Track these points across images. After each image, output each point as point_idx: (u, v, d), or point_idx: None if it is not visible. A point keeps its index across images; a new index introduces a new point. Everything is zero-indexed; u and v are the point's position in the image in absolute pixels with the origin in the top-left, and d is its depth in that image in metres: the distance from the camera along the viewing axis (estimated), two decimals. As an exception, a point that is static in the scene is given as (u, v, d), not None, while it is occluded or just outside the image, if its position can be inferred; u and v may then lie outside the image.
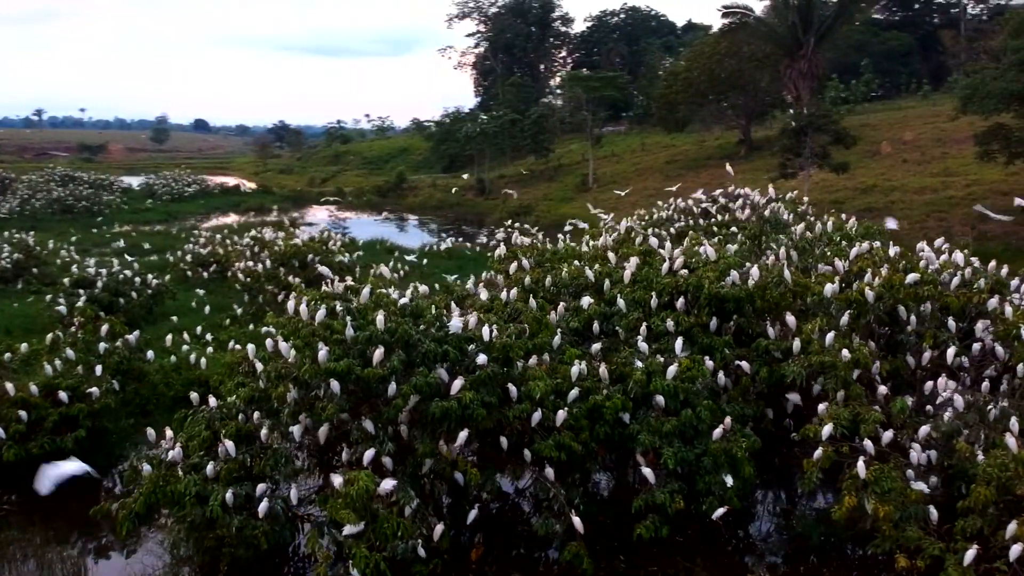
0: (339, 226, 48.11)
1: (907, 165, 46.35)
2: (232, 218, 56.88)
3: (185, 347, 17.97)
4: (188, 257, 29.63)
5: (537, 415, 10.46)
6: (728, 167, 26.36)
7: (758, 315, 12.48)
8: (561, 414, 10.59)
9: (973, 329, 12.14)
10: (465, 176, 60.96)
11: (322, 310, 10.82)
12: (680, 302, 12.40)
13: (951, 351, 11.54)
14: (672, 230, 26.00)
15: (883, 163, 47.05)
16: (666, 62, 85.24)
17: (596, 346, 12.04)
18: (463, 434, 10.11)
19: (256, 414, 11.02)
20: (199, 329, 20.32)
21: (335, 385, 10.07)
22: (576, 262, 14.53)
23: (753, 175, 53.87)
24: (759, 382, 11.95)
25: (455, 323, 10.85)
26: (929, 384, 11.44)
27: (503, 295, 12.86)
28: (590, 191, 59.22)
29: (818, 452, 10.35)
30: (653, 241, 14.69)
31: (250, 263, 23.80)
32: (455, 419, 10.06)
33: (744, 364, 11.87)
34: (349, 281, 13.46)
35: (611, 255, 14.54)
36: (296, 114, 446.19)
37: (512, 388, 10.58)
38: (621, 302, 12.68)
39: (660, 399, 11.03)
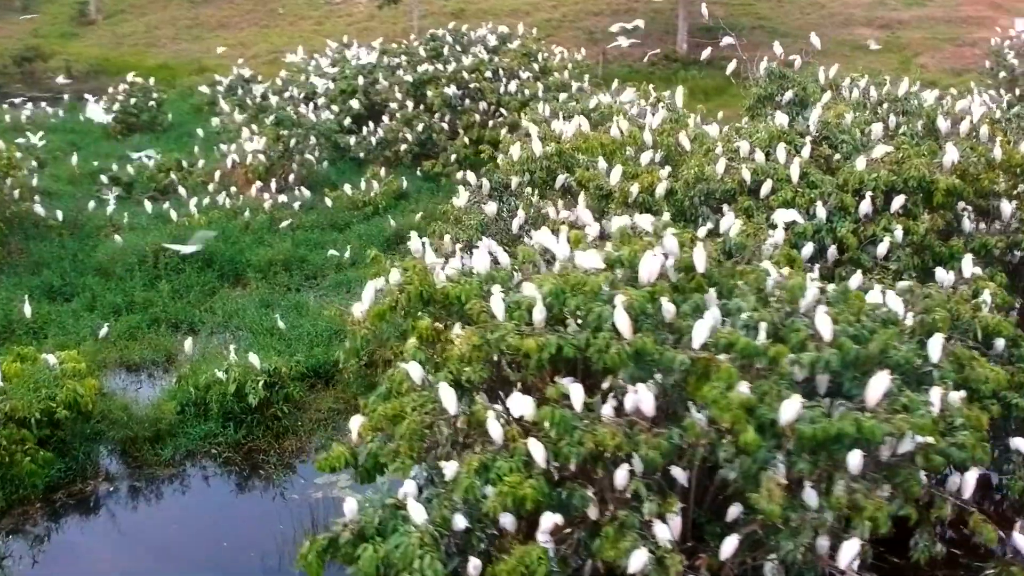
0: None
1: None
2: None
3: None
4: None
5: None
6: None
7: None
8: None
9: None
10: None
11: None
12: (898, 202, 9.43)
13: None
14: (410, 78, 21.77)
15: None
16: None
17: (856, 280, 8.63)
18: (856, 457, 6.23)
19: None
20: None
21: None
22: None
23: (311, -1, 48.31)
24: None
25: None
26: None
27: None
28: (95, 24, 48.36)
29: None
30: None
31: None
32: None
33: (978, 270, 9.51)
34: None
35: (684, 139, 10.80)
36: None
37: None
38: (822, 210, 9.33)
39: (1000, 343, 8.30)
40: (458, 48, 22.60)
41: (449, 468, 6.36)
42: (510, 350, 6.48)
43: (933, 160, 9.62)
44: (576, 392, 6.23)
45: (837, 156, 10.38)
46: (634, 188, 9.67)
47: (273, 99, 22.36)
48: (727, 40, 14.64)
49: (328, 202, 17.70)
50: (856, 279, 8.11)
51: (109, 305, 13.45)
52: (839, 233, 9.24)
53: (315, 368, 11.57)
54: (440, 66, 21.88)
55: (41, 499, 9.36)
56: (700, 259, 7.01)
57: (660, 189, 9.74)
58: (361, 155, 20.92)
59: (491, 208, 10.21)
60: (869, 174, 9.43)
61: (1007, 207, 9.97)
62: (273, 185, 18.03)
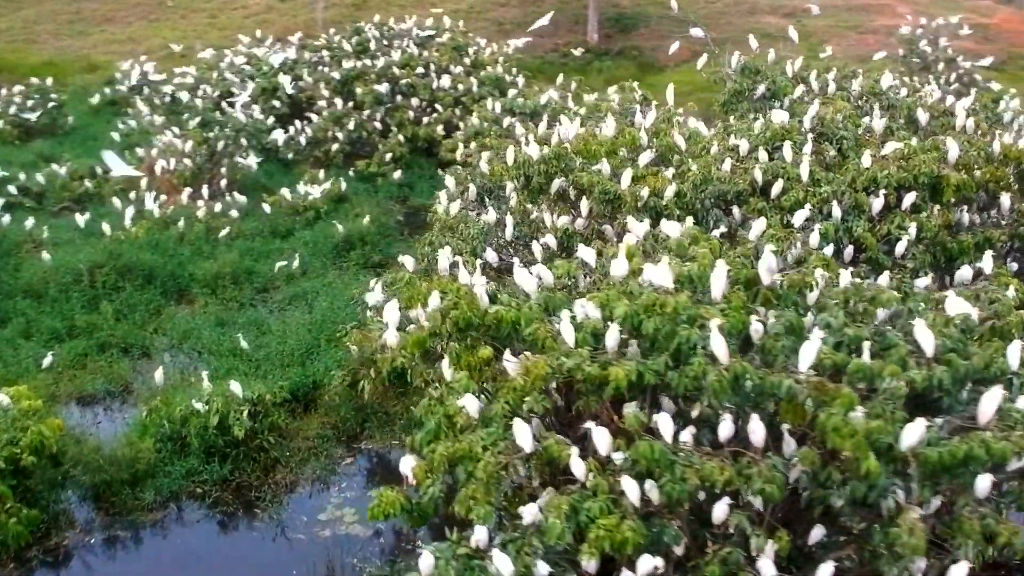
0: None
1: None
2: None
3: None
4: None
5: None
6: None
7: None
8: None
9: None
10: None
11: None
12: (909, 199, 9.29)
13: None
14: (337, 75, 20.89)
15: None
16: None
17: (884, 280, 8.44)
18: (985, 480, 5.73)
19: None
20: None
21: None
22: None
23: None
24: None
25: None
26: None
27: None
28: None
29: None
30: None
31: None
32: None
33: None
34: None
35: (679, 139, 10.44)
36: None
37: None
38: (837, 210, 9.12)
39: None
40: (385, 42, 21.76)
41: (528, 511, 5.84)
42: (589, 379, 5.97)
43: (935, 155, 9.52)
44: (665, 424, 5.79)
45: (832, 153, 10.21)
46: (644, 192, 9.26)
47: (187, 98, 21.03)
48: (696, 32, 14.44)
49: (267, 208, 16.72)
50: (884, 279, 7.92)
51: (48, 331, 12.28)
52: (856, 232, 9.05)
53: (293, 391, 10.76)
54: (368, 61, 21.01)
55: (13, 558, 8.35)
56: (765, 271, 6.66)
57: (669, 191, 9.35)
58: (290, 156, 19.91)
59: (492, 216, 9.65)
60: (880, 171, 9.26)
61: (1005, 200, 9.97)
62: (205, 191, 16.88)
